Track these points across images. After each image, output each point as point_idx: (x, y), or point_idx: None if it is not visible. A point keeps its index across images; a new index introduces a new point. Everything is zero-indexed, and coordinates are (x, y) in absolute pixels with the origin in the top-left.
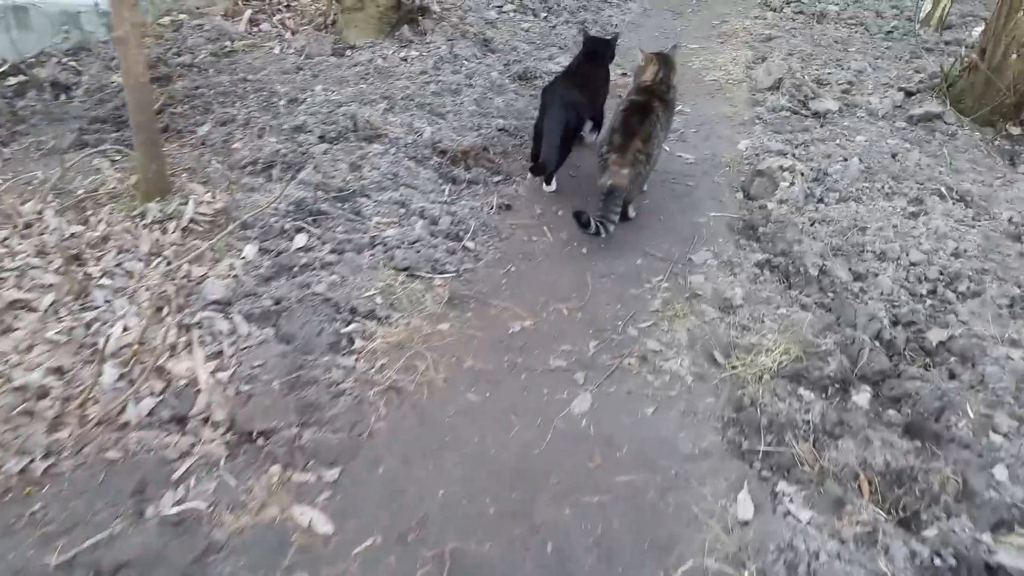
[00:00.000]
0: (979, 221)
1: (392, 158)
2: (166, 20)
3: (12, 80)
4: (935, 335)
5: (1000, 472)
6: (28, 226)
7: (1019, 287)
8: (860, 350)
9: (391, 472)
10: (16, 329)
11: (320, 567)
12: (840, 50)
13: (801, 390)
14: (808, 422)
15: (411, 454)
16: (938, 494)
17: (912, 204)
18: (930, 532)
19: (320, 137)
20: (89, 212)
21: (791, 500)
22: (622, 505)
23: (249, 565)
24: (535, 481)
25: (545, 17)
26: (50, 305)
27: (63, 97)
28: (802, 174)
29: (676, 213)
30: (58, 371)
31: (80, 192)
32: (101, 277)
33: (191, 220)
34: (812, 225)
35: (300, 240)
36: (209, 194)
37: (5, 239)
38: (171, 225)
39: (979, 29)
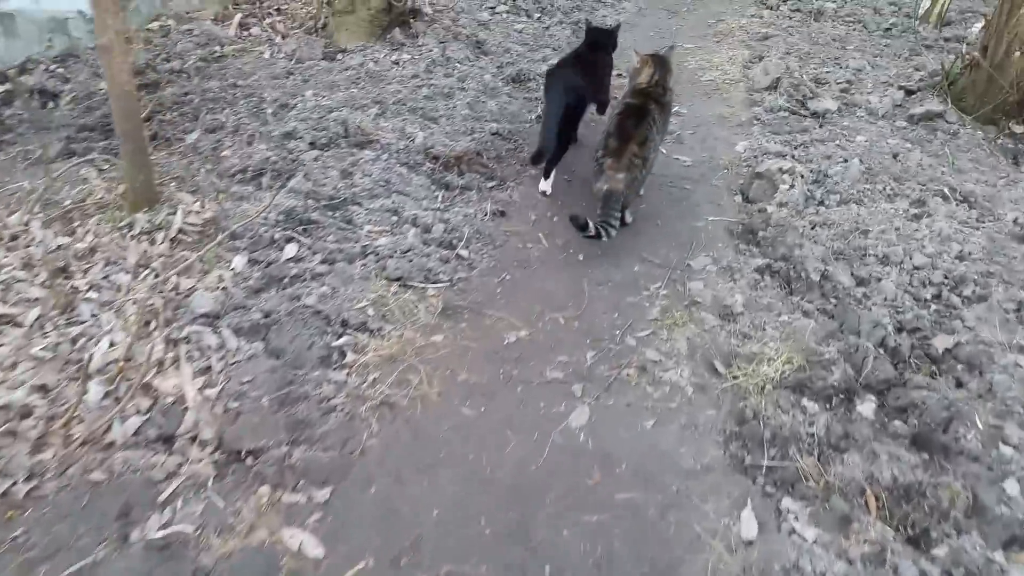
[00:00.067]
0: (983, 222)
1: (384, 164)
2: (155, 25)
3: None
4: (941, 342)
5: (1011, 486)
6: (14, 238)
7: None
8: (864, 358)
9: (383, 491)
10: (0, 345)
11: None
12: (838, 48)
13: (805, 401)
14: (812, 435)
15: (404, 472)
16: (947, 510)
17: (914, 206)
18: (940, 551)
19: (311, 144)
20: (76, 223)
21: (796, 518)
22: (622, 524)
23: None
24: (532, 499)
25: (539, 18)
26: (35, 320)
27: (50, 105)
28: (802, 176)
29: (674, 218)
30: (42, 389)
31: (67, 203)
32: (88, 290)
33: (180, 230)
34: (813, 229)
35: (290, 250)
36: (198, 203)
37: None
38: (159, 236)
39: (979, 25)
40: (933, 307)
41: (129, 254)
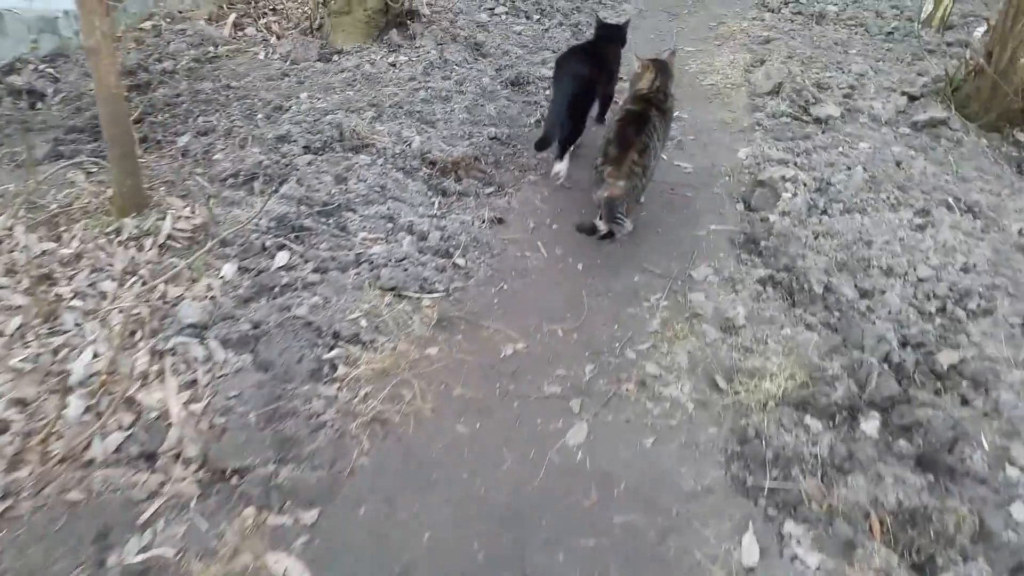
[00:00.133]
0: (988, 233)
1: (379, 169)
2: (147, 24)
3: None
4: (946, 358)
5: (1018, 511)
6: None
7: None
8: (868, 374)
9: (373, 513)
10: None
11: None
12: (840, 52)
13: (808, 419)
14: (816, 455)
15: (395, 493)
16: (953, 535)
17: (919, 215)
18: None
19: (305, 147)
20: (62, 228)
21: (798, 543)
22: (620, 550)
23: None
24: (527, 522)
25: (538, 20)
26: (16, 329)
27: (39, 105)
28: (804, 184)
29: (675, 226)
30: (20, 403)
31: (53, 206)
32: (72, 298)
33: (168, 236)
34: (816, 239)
35: (281, 258)
36: (188, 209)
37: None
38: (147, 242)
39: (981, 29)
40: (938, 321)
41: (116, 261)
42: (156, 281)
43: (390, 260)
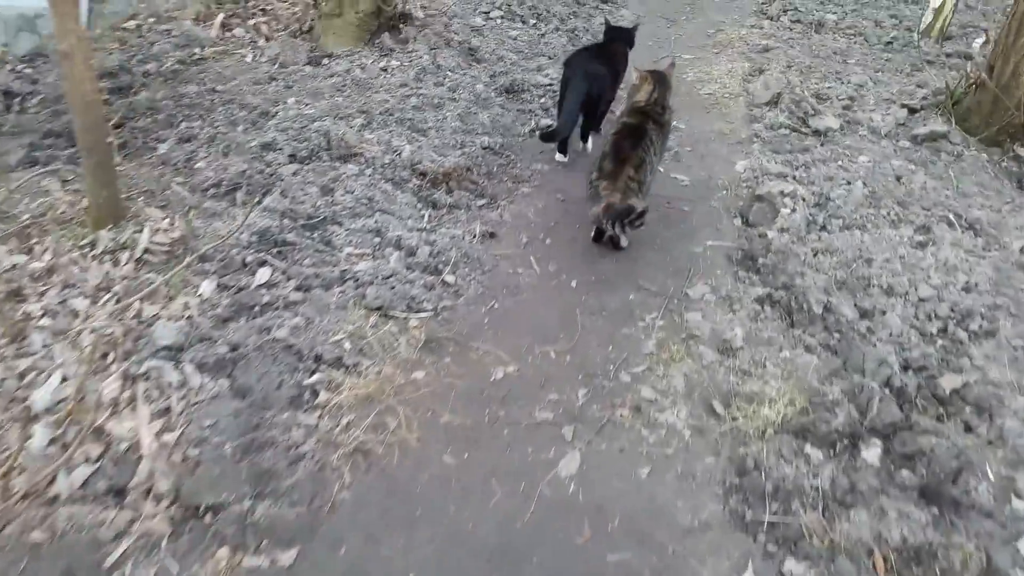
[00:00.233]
0: (989, 251)
1: (368, 180)
2: (131, 24)
3: None
4: (948, 382)
5: None
6: None
7: None
8: (869, 399)
9: (355, 552)
10: None
11: None
12: (839, 62)
13: (808, 448)
14: (816, 488)
15: (378, 530)
16: (960, 573)
17: (919, 232)
18: None
19: (290, 156)
20: (34, 240)
21: None
22: None
23: None
24: (517, 561)
25: (534, 24)
26: None
27: (16, 108)
28: (803, 199)
29: (671, 241)
30: None
31: (25, 217)
32: (41, 316)
33: (146, 250)
34: (815, 256)
35: (263, 275)
36: (167, 220)
37: None
38: (123, 256)
39: (980, 40)
40: (940, 343)
41: (90, 276)
42: (131, 299)
43: (376, 277)
